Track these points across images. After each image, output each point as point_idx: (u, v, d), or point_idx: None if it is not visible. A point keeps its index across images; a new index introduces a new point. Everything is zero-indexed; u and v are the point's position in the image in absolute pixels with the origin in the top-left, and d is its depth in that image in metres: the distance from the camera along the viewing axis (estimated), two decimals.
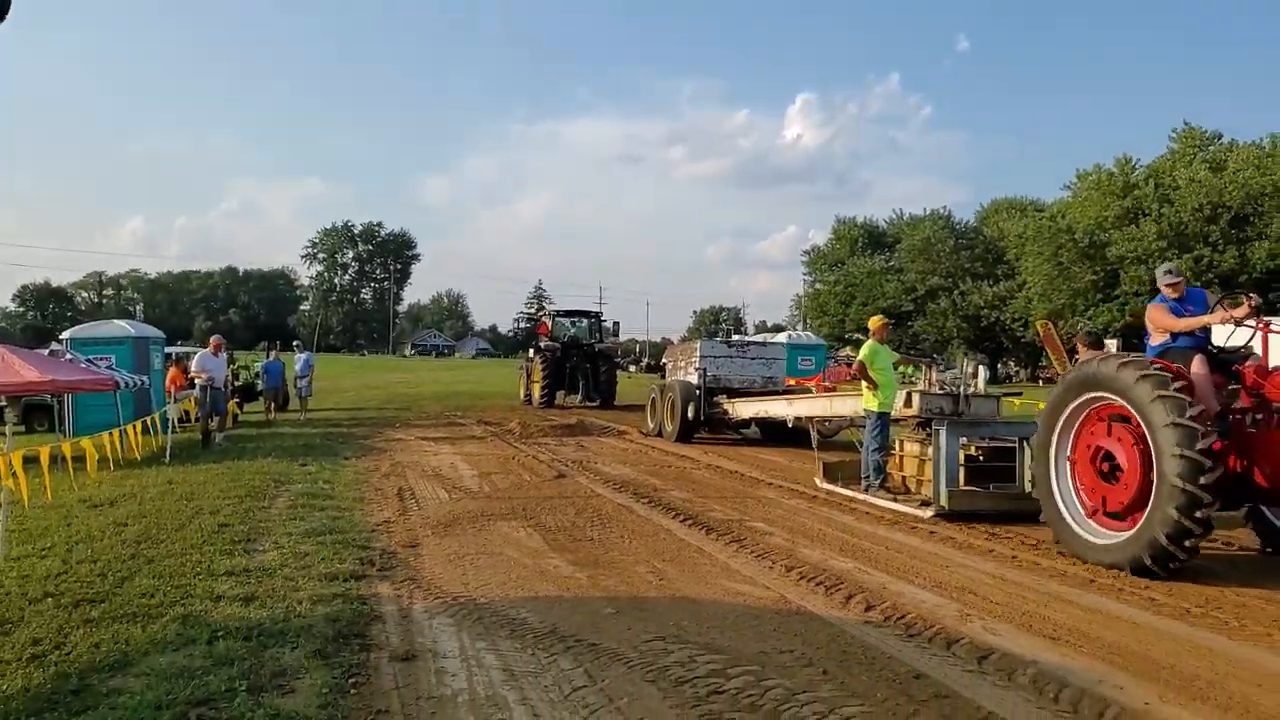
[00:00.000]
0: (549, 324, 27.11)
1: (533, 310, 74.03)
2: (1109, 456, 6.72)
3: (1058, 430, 7.21)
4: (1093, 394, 6.88)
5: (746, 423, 16.23)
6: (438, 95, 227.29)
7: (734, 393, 16.18)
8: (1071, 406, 7.09)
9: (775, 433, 16.19)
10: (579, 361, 25.42)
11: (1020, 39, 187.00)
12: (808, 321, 77.04)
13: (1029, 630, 5.24)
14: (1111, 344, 43.60)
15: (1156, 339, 7.20)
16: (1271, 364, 6.72)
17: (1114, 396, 6.62)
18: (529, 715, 4.01)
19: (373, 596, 5.85)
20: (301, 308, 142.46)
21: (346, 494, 9.89)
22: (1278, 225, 38.53)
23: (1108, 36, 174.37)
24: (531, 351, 26.73)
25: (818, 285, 75.61)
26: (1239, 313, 6.77)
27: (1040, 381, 52.39)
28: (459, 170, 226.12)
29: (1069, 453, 7.12)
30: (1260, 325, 6.83)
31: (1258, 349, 6.99)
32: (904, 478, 10.00)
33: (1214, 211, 42.06)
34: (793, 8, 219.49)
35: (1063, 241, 47.14)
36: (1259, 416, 6.49)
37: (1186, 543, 6.05)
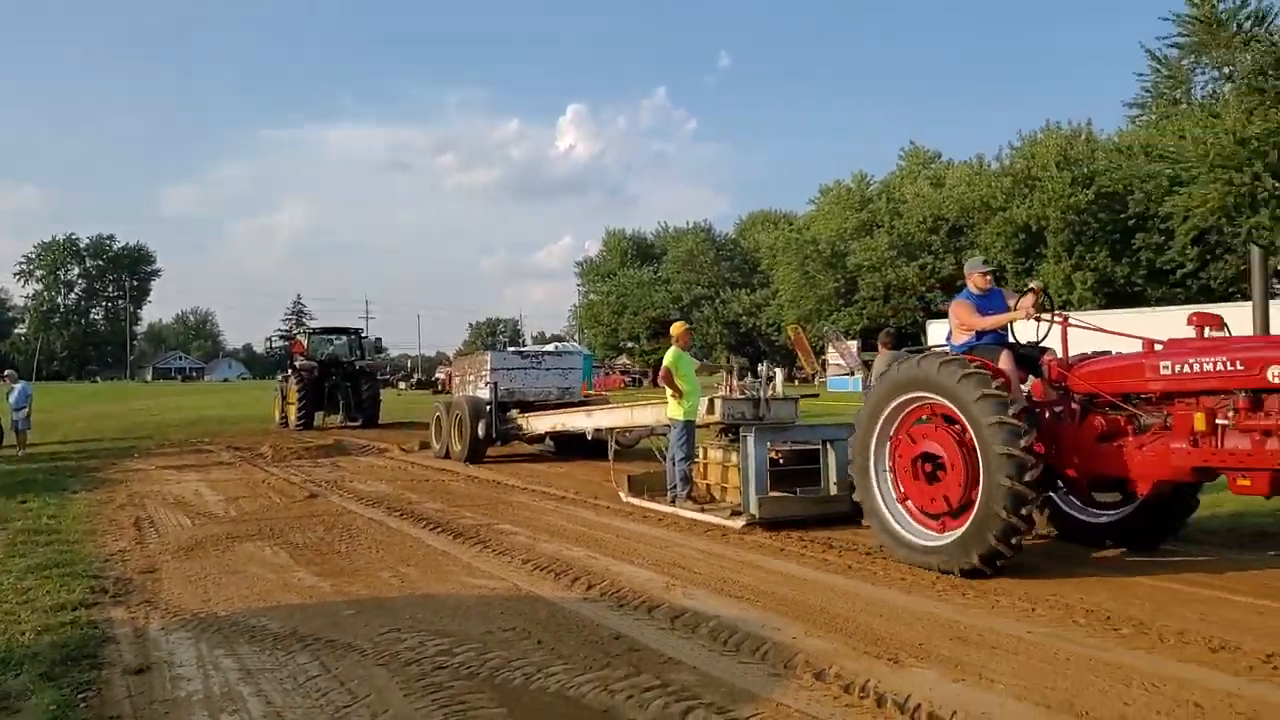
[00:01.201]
0: (304, 342, 26.49)
1: (289, 328, 70.71)
2: (931, 457, 6.72)
3: (877, 432, 7.15)
4: (913, 394, 6.88)
5: (541, 437, 15.80)
6: (178, 94, 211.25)
7: (528, 406, 15.74)
8: (891, 407, 7.05)
9: (571, 446, 15.54)
10: (339, 380, 25.01)
11: (778, 57, 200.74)
12: (584, 332, 79.06)
13: (720, 593, 6.26)
14: (851, 344, 47.62)
15: (960, 336, 7.33)
16: (1072, 356, 6.96)
17: (936, 396, 6.66)
18: (263, 703, 4.45)
19: (105, 621, 5.96)
20: (17, 331, 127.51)
21: (76, 528, 9.56)
22: (985, 235, 44.17)
23: (852, 59, 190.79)
24: (288, 372, 25.97)
25: (591, 296, 77.73)
26: (1027, 302, 7.10)
27: (795, 381, 56.76)
28: (205, 178, 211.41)
29: (889, 455, 7.11)
30: (1060, 320, 6.99)
31: (1052, 344, 7.12)
32: (708, 486, 10.04)
33: (935, 223, 47.59)
34: (556, 18, 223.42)
35: (808, 252, 51.55)
36: (1060, 409, 6.77)
37: (1013, 540, 6.18)
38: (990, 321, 7.20)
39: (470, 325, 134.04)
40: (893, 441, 7.09)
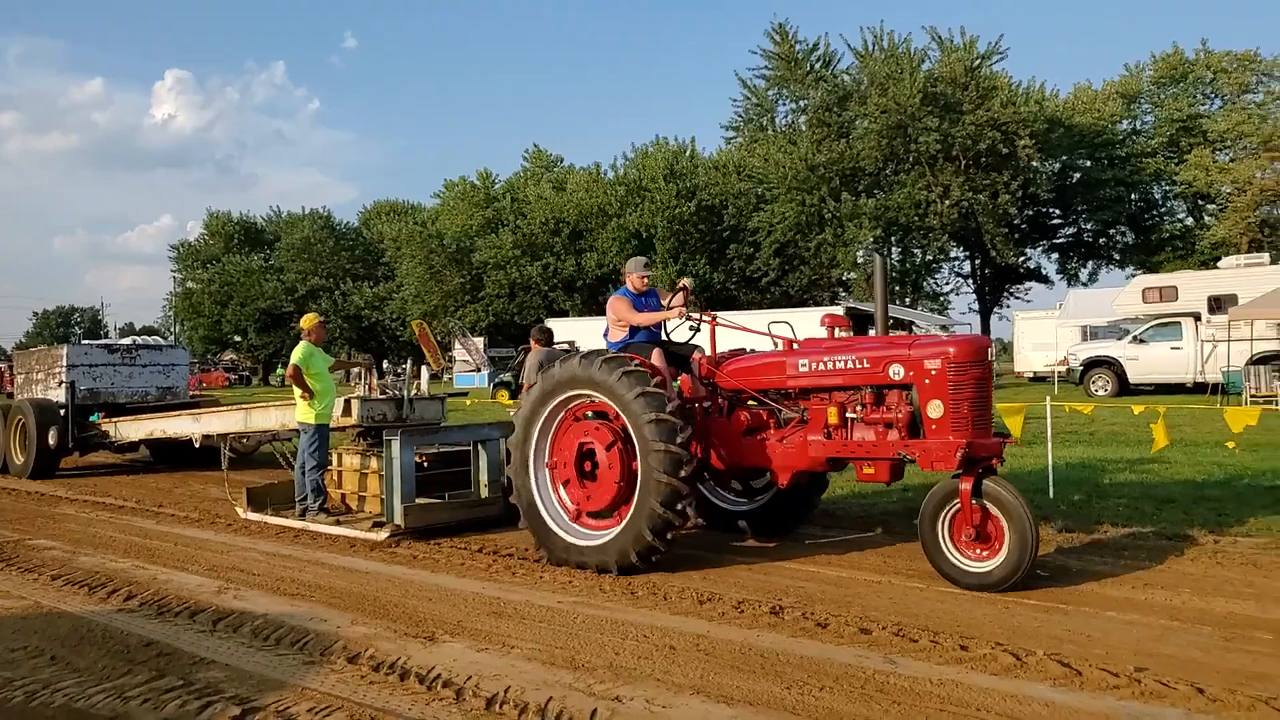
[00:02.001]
0: None
1: None
2: (589, 455, 6.80)
3: (536, 432, 7.09)
4: (573, 392, 6.89)
5: (134, 446, 13.99)
6: None
7: (119, 409, 13.86)
8: (551, 406, 7.02)
9: (174, 454, 13.89)
10: None
11: (406, 45, 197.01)
12: (182, 324, 72.25)
13: (276, 592, 6.30)
14: (478, 341, 48.26)
15: (617, 334, 7.53)
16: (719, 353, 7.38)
17: (595, 394, 6.72)
18: None
19: None
20: None
21: None
22: (602, 240, 47.18)
23: (479, 56, 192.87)
24: None
25: (190, 284, 71.26)
26: (679, 300, 7.43)
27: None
28: None
29: (548, 455, 7.09)
30: (709, 320, 7.30)
31: (702, 343, 7.52)
32: (343, 495, 9.35)
33: (557, 225, 49.85)
34: None
35: (433, 246, 51.58)
36: (708, 405, 7.14)
37: (669, 535, 6.37)
38: (646, 319, 7.47)
39: (34, 315, 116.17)
40: (552, 439, 7.10)
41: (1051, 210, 47.25)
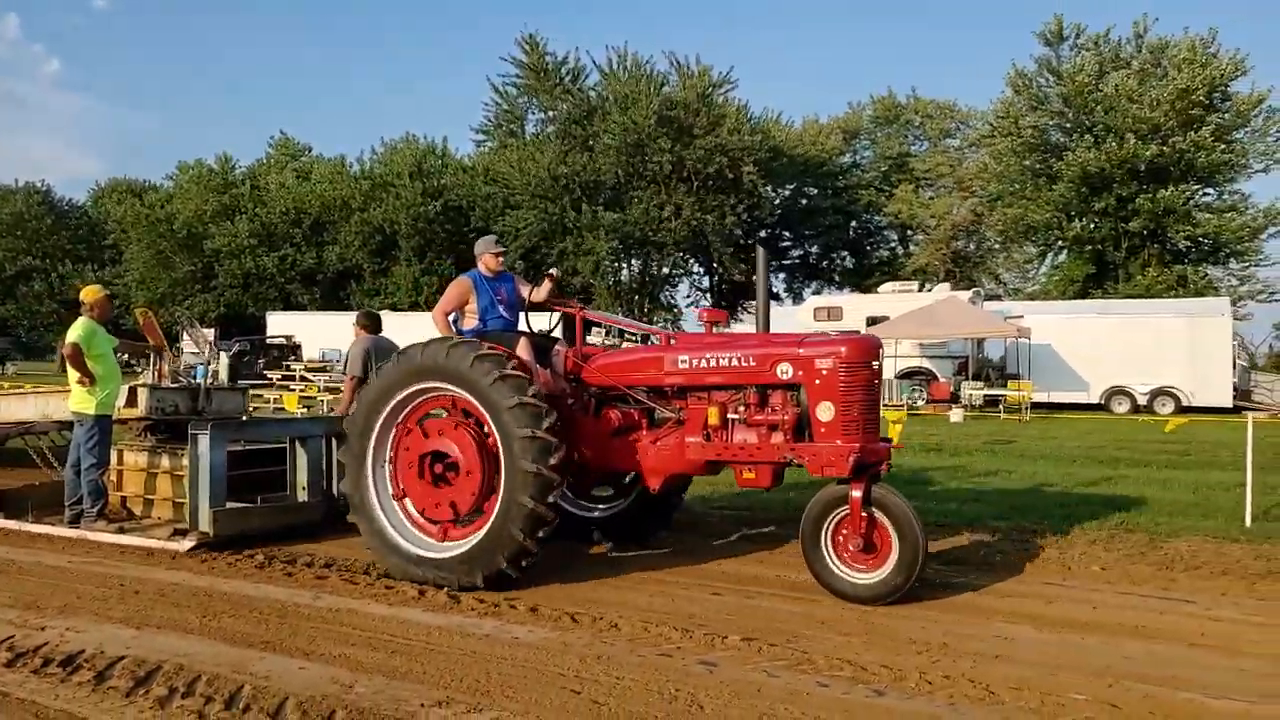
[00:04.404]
0: None
1: None
2: (440, 456, 6.20)
3: (375, 432, 6.37)
4: (419, 385, 6.28)
5: None
6: None
7: None
8: (393, 403, 6.34)
9: None
10: None
11: (163, 10, 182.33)
12: None
13: None
14: (208, 332, 46.24)
15: (469, 321, 6.87)
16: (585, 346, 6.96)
17: (446, 385, 6.16)
18: None
19: None
20: None
21: None
22: (345, 233, 46.69)
23: (235, 29, 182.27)
24: None
25: None
26: (544, 288, 6.96)
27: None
28: None
29: (389, 457, 6.39)
30: (575, 310, 6.93)
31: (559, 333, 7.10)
32: (124, 499, 8.26)
33: (298, 216, 48.78)
34: None
35: (163, 231, 49.08)
36: (571, 401, 6.63)
37: (540, 533, 5.79)
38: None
39: None
40: (394, 440, 6.41)
41: (782, 233, 51.59)
